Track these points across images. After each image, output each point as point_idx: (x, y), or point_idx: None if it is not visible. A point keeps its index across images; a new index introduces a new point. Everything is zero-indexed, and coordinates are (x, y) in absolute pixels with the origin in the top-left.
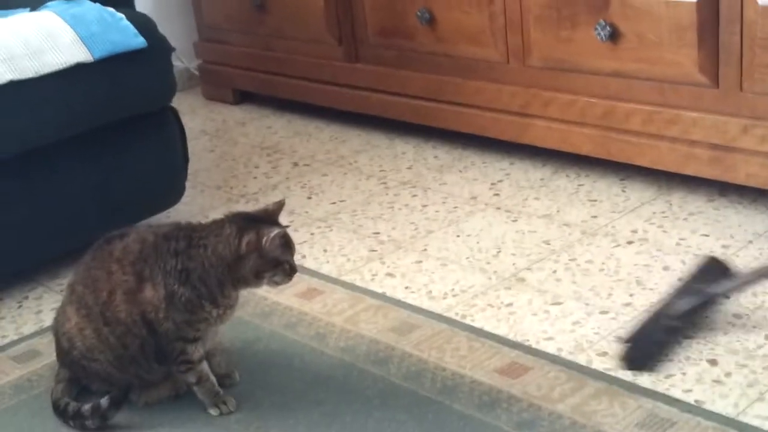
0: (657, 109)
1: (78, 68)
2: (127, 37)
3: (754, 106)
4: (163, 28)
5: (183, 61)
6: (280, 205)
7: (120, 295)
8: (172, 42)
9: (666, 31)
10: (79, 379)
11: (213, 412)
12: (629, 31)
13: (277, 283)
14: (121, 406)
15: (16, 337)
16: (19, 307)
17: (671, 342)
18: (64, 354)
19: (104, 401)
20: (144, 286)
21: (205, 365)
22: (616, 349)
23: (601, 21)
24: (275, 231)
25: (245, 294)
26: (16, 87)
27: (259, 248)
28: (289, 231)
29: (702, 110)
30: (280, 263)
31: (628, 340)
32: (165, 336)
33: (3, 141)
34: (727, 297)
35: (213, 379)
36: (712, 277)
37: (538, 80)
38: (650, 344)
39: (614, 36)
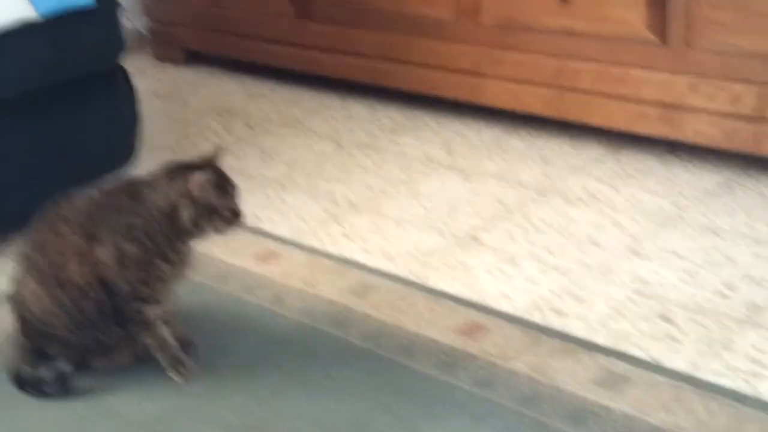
0: (607, 67)
1: (23, 26)
2: None
3: (702, 64)
4: None
5: (132, 21)
6: (217, 151)
7: (71, 256)
8: (122, 2)
9: None
10: (38, 348)
11: (173, 376)
12: None
13: (219, 231)
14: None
15: None
16: None
17: None
18: (22, 322)
19: (66, 366)
20: (94, 246)
21: (163, 328)
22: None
23: None
24: (202, 175)
25: (202, 258)
26: None
27: (191, 195)
28: (244, 192)
29: (651, 68)
30: (216, 209)
31: None
32: (121, 297)
33: None
34: None
35: (172, 341)
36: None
37: (489, 39)
38: None
39: None
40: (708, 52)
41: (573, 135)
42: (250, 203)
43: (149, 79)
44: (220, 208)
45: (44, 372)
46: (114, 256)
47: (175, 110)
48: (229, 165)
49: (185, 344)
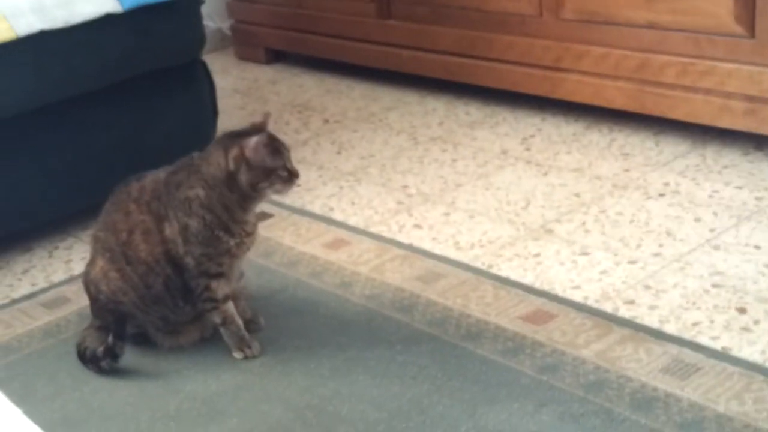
0: (692, 60)
1: (108, 18)
2: None
3: None
4: None
5: (215, 21)
6: (266, 116)
7: (139, 234)
8: (206, 2)
9: None
10: (108, 326)
11: (237, 355)
12: None
13: (279, 192)
14: (124, 339)
15: (45, 285)
16: (50, 256)
17: None
18: (93, 301)
19: (109, 339)
20: (162, 223)
21: (230, 305)
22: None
23: None
24: (255, 138)
25: (272, 243)
26: (46, 37)
27: (246, 159)
28: (318, 184)
29: (738, 61)
30: (272, 170)
31: None
32: (188, 272)
33: (34, 91)
34: None
35: (239, 321)
36: None
37: (571, 33)
38: None
39: None
40: None
41: (656, 130)
42: (323, 194)
43: (232, 77)
44: (275, 168)
45: (99, 350)
46: (178, 232)
47: (255, 106)
48: (304, 158)
49: (251, 323)
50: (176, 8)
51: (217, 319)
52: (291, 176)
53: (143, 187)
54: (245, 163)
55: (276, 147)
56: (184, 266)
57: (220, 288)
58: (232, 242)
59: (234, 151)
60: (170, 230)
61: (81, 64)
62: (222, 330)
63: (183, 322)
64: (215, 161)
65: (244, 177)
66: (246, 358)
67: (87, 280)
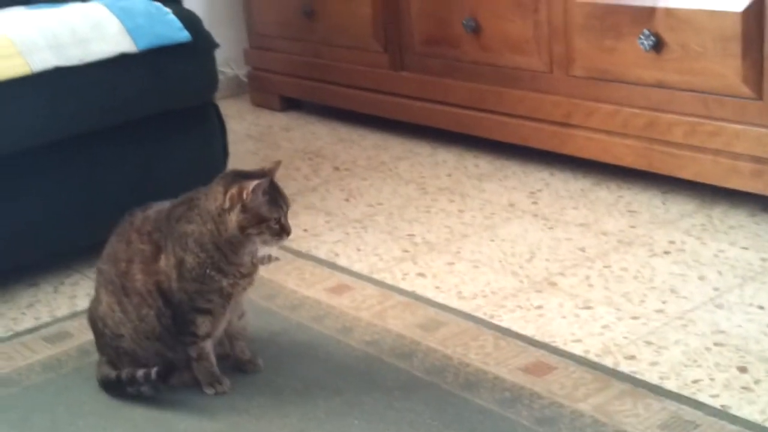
0: (700, 120)
1: (122, 58)
2: (172, 30)
3: None
4: (215, 35)
5: (233, 67)
6: (276, 164)
7: (137, 264)
8: (224, 49)
9: (710, 41)
10: (113, 361)
11: (208, 390)
12: (673, 41)
13: (266, 243)
14: (166, 380)
15: (49, 319)
16: (55, 291)
17: None
18: (98, 336)
19: (153, 371)
20: (159, 255)
21: (208, 343)
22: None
23: (645, 31)
24: (256, 182)
25: (275, 286)
26: (61, 73)
27: (242, 200)
28: (325, 230)
29: (746, 122)
30: (265, 219)
31: None
32: (179, 307)
33: (46, 126)
34: None
35: (212, 358)
36: None
37: (580, 90)
38: None
39: (658, 46)
40: None
41: (663, 188)
42: (329, 240)
43: (246, 122)
44: (268, 218)
45: (139, 374)
46: (173, 266)
47: (267, 152)
48: (312, 204)
49: (249, 364)
50: (191, 50)
51: (192, 353)
52: (282, 231)
53: (147, 217)
54: (240, 204)
55: (275, 197)
56: (174, 300)
57: (204, 325)
58: (224, 282)
59: (233, 190)
60: (165, 262)
61: (94, 101)
62: (195, 365)
63: (179, 360)
64: (213, 196)
65: (235, 217)
66: (216, 393)
67: (94, 316)
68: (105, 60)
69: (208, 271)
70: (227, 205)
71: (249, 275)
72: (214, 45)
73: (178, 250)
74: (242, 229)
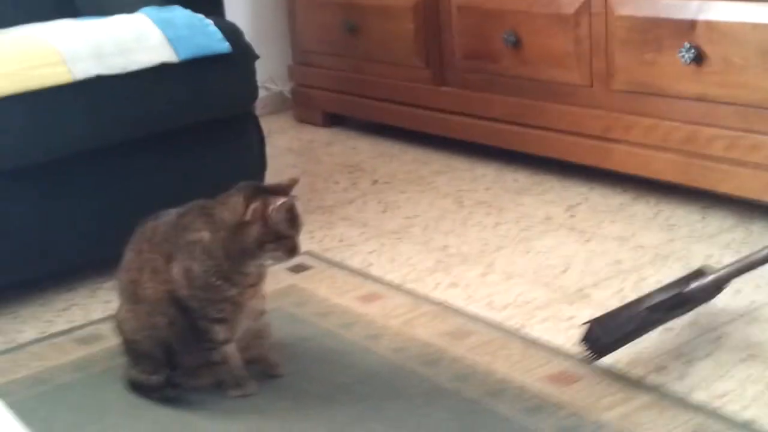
0: (740, 134)
1: (163, 68)
2: (213, 41)
3: None
4: (261, 52)
5: (277, 84)
6: (293, 182)
7: (147, 273)
8: (268, 66)
9: (752, 54)
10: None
11: (233, 392)
12: (714, 54)
13: (276, 260)
14: (175, 369)
15: (84, 322)
16: (91, 296)
17: (638, 331)
18: (121, 342)
19: (171, 376)
20: (171, 264)
21: (231, 346)
22: (580, 329)
23: (686, 44)
24: (283, 200)
25: (306, 294)
26: (102, 82)
27: (265, 217)
28: (360, 240)
29: None
30: (283, 237)
31: (594, 322)
32: (192, 314)
33: (87, 133)
34: (706, 300)
35: (237, 361)
36: (695, 280)
37: (620, 104)
38: (615, 330)
39: (699, 59)
40: None
41: (703, 203)
42: (363, 250)
43: (288, 137)
44: (287, 236)
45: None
46: (183, 274)
47: (308, 166)
48: (349, 215)
49: (270, 366)
50: (231, 61)
51: (215, 358)
52: (293, 251)
53: (157, 227)
54: (262, 219)
55: (294, 218)
56: (187, 308)
57: (222, 332)
58: (233, 291)
59: (256, 204)
60: (175, 270)
61: (134, 110)
62: (220, 369)
63: (198, 364)
64: (232, 206)
65: (255, 231)
66: (243, 396)
67: (117, 321)
68: (146, 69)
69: (215, 279)
70: (249, 217)
71: (256, 284)
72: (254, 56)
73: (185, 258)
74: (261, 243)
